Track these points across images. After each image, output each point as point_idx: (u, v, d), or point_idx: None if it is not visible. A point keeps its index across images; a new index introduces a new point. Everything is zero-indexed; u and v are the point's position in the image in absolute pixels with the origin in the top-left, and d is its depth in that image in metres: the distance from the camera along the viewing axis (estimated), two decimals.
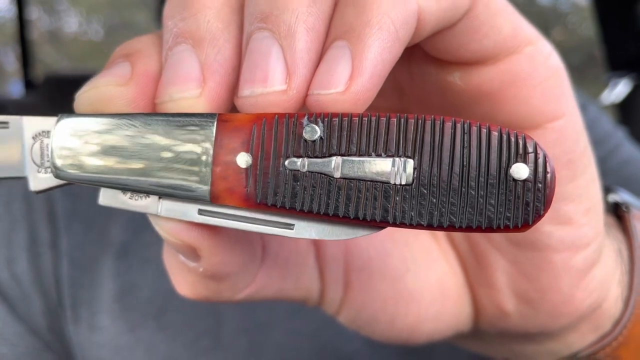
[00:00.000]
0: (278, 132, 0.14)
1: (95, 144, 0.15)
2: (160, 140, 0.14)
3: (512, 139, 0.13)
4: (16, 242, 0.42)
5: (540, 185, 0.13)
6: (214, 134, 0.14)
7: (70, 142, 0.15)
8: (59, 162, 0.15)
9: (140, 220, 0.43)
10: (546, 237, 0.18)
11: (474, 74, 0.16)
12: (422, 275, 0.20)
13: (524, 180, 0.13)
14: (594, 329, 0.20)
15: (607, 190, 0.22)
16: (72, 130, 0.15)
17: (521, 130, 0.14)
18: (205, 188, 0.14)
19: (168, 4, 0.15)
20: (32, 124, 0.16)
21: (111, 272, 0.39)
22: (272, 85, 0.13)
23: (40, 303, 0.38)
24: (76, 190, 0.44)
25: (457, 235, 0.21)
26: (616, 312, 0.20)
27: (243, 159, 0.14)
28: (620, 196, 0.22)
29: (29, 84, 1.92)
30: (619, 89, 0.92)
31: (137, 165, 0.14)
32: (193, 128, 0.14)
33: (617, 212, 0.22)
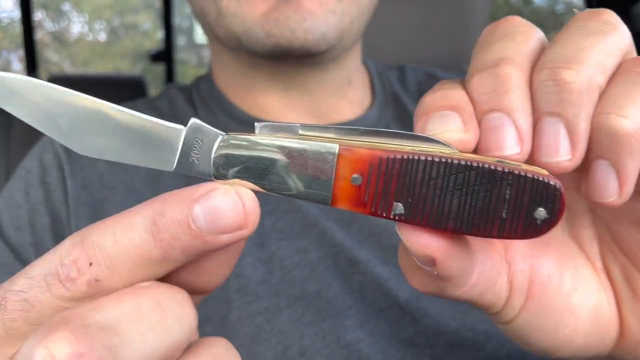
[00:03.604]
0: None
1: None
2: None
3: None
4: (39, 226, 0.43)
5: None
6: None
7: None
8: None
9: None
10: None
11: None
12: (584, 296, 0.24)
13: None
14: None
15: None
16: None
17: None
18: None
19: (479, 78, 0.20)
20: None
21: None
22: (563, 155, 0.19)
23: None
24: (85, 173, 0.45)
25: (616, 274, 0.24)
26: None
27: None
28: None
29: None
30: None
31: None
32: None
33: None
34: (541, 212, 0.18)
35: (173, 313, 0.17)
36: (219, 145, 0.19)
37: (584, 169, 0.20)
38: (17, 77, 0.18)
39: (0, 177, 0.89)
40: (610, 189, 0.19)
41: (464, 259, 0.20)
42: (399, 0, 0.75)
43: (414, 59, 0.72)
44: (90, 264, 0.17)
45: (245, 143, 0.18)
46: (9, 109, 0.18)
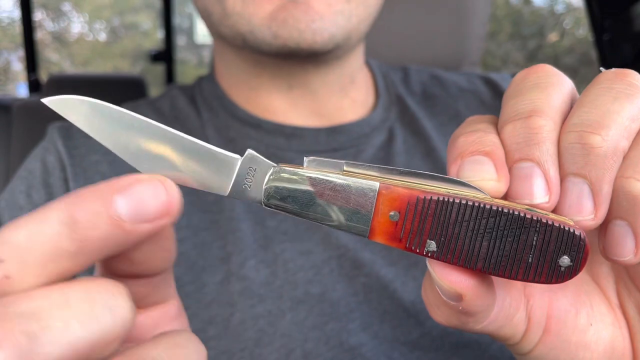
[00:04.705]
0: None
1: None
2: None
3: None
4: None
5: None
6: None
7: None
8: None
9: None
10: None
11: None
12: (600, 331, 0.24)
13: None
14: None
15: None
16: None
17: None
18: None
19: (512, 128, 0.21)
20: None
21: None
22: (585, 215, 0.20)
23: None
24: (88, 174, 0.45)
25: (631, 310, 0.25)
26: None
27: None
28: None
29: (33, 84, 1.93)
30: None
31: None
32: None
33: None
34: (565, 260, 0.19)
35: (103, 303, 0.17)
36: (270, 176, 0.20)
37: (603, 225, 0.21)
38: (95, 102, 0.20)
39: (0, 177, 0.89)
40: (627, 249, 0.20)
41: (488, 297, 0.21)
42: (399, 0, 0.75)
43: (414, 59, 0.72)
44: (1, 261, 0.17)
45: (294, 176, 0.20)
46: (82, 127, 0.20)
